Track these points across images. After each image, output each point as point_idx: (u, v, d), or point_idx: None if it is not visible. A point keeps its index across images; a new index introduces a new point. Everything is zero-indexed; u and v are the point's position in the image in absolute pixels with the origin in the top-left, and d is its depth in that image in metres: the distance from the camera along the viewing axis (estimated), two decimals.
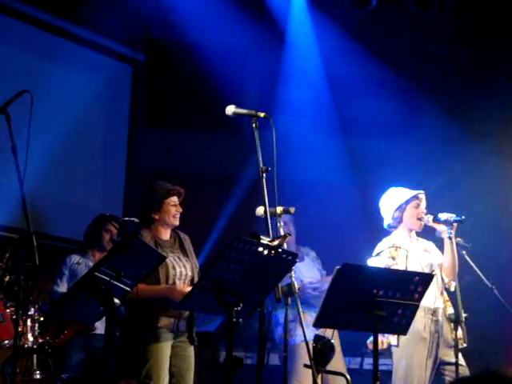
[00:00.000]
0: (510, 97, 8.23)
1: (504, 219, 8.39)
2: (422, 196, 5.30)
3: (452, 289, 5.14)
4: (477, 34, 8.33)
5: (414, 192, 5.28)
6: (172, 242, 5.08)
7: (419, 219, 5.17)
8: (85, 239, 6.50)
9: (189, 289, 4.57)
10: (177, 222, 5.04)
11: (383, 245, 5.21)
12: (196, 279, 4.95)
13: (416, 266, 5.03)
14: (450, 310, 5.02)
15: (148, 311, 4.78)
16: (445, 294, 5.06)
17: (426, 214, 5.18)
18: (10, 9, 7.53)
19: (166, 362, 4.81)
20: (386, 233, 5.36)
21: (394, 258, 5.07)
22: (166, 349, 4.81)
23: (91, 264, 6.19)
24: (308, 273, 6.22)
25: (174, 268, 4.91)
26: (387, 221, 5.29)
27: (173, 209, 5.01)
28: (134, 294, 4.29)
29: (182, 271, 4.95)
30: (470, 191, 7.98)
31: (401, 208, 5.23)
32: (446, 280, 5.13)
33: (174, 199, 5.04)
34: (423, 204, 5.27)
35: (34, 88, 4.19)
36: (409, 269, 4.99)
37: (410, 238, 5.27)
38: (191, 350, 5.02)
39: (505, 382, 1.48)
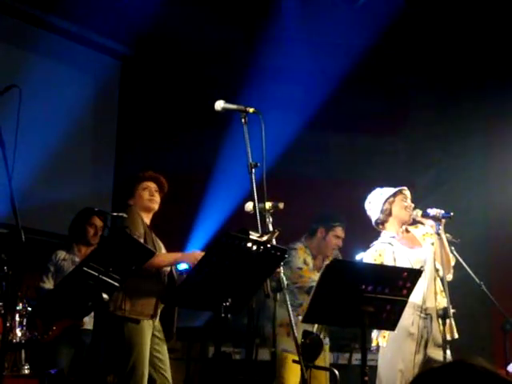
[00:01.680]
0: (498, 94, 8.26)
1: (492, 215, 8.44)
2: (407, 192, 5.32)
3: (449, 279, 5.17)
4: (465, 31, 8.35)
5: (398, 188, 5.31)
6: (151, 228, 5.13)
7: (408, 211, 5.18)
8: (69, 233, 6.46)
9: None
10: (153, 205, 5.09)
11: (370, 251, 5.19)
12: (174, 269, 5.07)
13: (405, 264, 5.02)
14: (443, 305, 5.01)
15: (135, 296, 4.79)
16: (439, 288, 5.02)
17: (413, 209, 5.19)
18: None
19: (147, 354, 4.82)
20: (374, 229, 5.35)
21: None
22: (147, 341, 4.82)
23: (77, 259, 6.17)
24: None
25: (161, 249, 5.06)
26: (376, 215, 5.28)
27: (145, 193, 5.06)
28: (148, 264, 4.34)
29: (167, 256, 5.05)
30: (458, 187, 8.02)
31: (389, 200, 5.24)
32: (441, 272, 5.13)
33: (146, 184, 5.09)
34: (409, 199, 5.29)
35: (22, 83, 4.17)
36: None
37: (400, 233, 5.26)
38: (164, 346, 5.03)
39: (471, 369, 1.50)
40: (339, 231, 6.04)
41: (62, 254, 6.31)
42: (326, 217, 6.11)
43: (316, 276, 6.08)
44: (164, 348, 4.97)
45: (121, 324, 4.76)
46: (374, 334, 4.99)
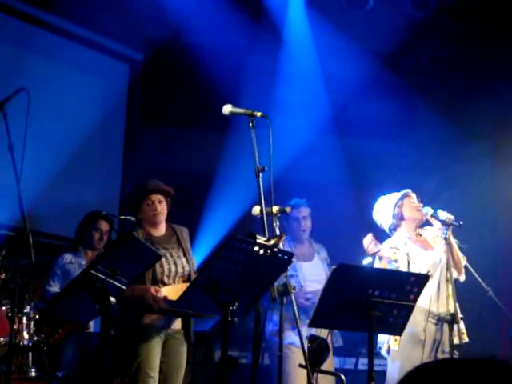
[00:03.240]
0: (506, 98, 8.25)
1: (500, 220, 8.41)
2: (412, 193, 5.33)
3: (462, 280, 5.17)
4: (474, 35, 8.34)
5: (403, 191, 5.31)
6: (166, 238, 5.11)
7: (419, 210, 5.18)
8: (75, 237, 6.47)
9: (164, 293, 4.62)
10: (158, 219, 5.07)
11: (384, 247, 5.19)
12: (192, 274, 4.98)
13: (419, 269, 5.01)
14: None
15: (138, 307, 4.80)
16: (451, 292, 4.99)
17: (423, 207, 5.19)
18: (8, 7, 7.52)
19: (155, 359, 4.83)
20: (382, 234, 5.35)
21: (396, 261, 5.07)
22: (155, 345, 4.83)
23: (83, 263, 6.18)
24: (312, 276, 6.01)
25: (162, 266, 4.91)
26: (388, 222, 5.27)
27: (148, 208, 5.04)
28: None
29: (171, 268, 4.94)
30: (465, 192, 8.00)
31: (398, 204, 5.24)
32: (455, 274, 5.13)
33: (150, 198, 5.05)
34: (416, 199, 5.30)
35: (31, 86, 4.19)
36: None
37: (414, 236, 5.25)
38: (184, 348, 5.03)
39: (460, 365, 1.51)
40: (294, 213, 5.96)
41: (68, 257, 6.32)
42: None
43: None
44: (180, 350, 4.99)
45: (127, 327, 4.80)
46: (386, 337, 4.97)
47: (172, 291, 4.74)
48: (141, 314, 4.82)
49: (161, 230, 5.11)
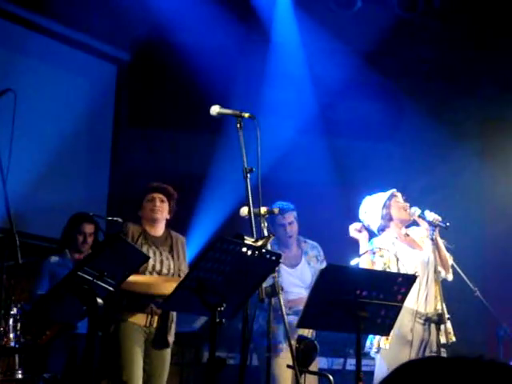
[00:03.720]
0: (493, 98, 8.28)
1: (487, 220, 8.44)
2: (398, 193, 5.34)
3: (449, 279, 5.18)
4: (460, 37, 8.37)
5: (390, 191, 5.32)
6: (161, 240, 5.13)
7: (406, 210, 5.20)
8: (61, 239, 6.45)
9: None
10: (156, 215, 5.10)
11: (375, 240, 5.20)
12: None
13: (407, 269, 5.02)
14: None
15: (123, 307, 4.79)
16: (439, 292, 5.01)
17: (410, 207, 5.20)
18: None
19: (137, 360, 4.82)
20: (370, 234, 5.36)
21: (382, 256, 5.07)
22: (137, 346, 4.82)
23: (70, 265, 6.15)
24: (295, 282, 5.89)
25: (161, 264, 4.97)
26: (376, 223, 5.28)
27: (148, 204, 5.10)
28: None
29: (155, 265, 4.96)
30: (453, 192, 8.03)
31: (386, 205, 5.25)
32: (443, 273, 5.14)
33: (152, 195, 5.11)
34: (402, 199, 5.31)
35: (17, 87, 4.17)
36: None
37: (402, 236, 5.26)
38: (168, 350, 5.03)
39: (445, 363, 1.51)
40: (279, 219, 5.91)
41: (55, 260, 6.29)
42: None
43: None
44: (158, 354, 4.98)
45: (114, 327, 4.79)
46: (376, 336, 4.97)
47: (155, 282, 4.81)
48: (125, 313, 4.81)
49: (158, 230, 5.13)
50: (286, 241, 6.04)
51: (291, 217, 6.03)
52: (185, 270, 5.09)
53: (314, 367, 5.59)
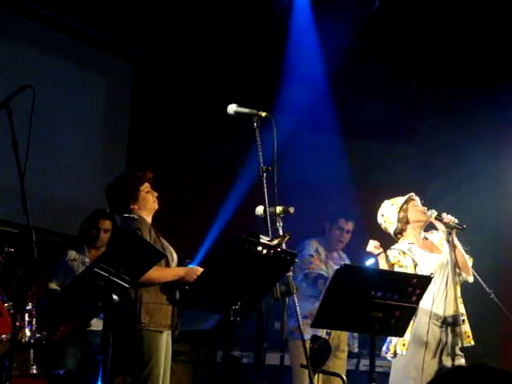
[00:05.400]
0: (510, 100, 8.24)
1: (503, 222, 8.41)
2: (416, 197, 5.33)
3: (470, 281, 5.16)
4: (479, 38, 8.33)
5: (407, 195, 5.32)
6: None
7: (423, 213, 5.18)
8: (79, 235, 6.49)
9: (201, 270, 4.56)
10: (156, 205, 5.06)
11: (391, 253, 5.18)
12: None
13: (424, 272, 5.00)
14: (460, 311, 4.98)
15: (152, 308, 4.76)
16: (459, 294, 4.98)
17: (427, 210, 5.19)
18: (13, 4, 7.54)
19: (163, 361, 4.82)
20: (387, 237, 5.34)
21: (401, 267, 5.05)
22: (163, 348, 4.82)
23: (87, 260, 6.18)
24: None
25: (172, 253, 4.97)
26: (393, 226, 5.26)
27: (149, 195, 5.01)
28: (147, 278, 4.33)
29: (174, 256, 4.98)
30: (469, 194, 7.99)
31: (403, 208, 5.24)
32: (463, 275, 5.13)
33: (147, 186, 5.03)
34: (419, 203, 5.30)
35: (35, 83, 4.18)
36: None
37: (420, 239, 5.24)
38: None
39: (493, 373, 1.50)
40: (342, 223, 6.39)
41: (72, 254, 6.33)
42: (331, 212, 6.48)
43: (325, 267, 6.15)
44: (170, 349, 4.98)
45: (140, 334, 4.74)
46: (393, 341, 4.96)
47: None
48: (157, 315, 4.76)
49: (151, 219, 5.07)
50: (335, 244, 6.44)
51: (352, 226, 6.45)
52: None
53: (343, 367, 5.70)
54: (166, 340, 4.85)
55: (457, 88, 8.64)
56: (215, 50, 8.29)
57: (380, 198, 5.44)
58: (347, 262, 6.41)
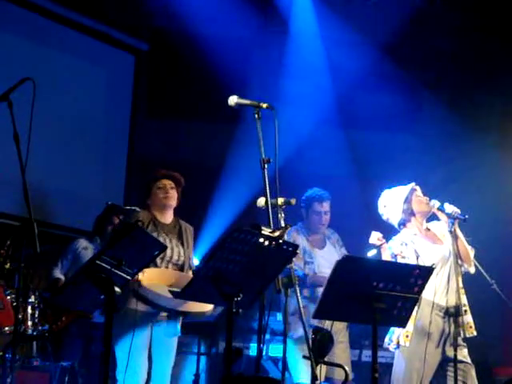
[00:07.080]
0: None
1: (506, 213, 8.40)
2: (417, 186, 5.32)
3: (472, 272, 5.16)
4: (479, 28, 8.32)
5: (410, 185, 5.30)
6: (170, 227, 5.15)
7: (427, 203, 5.18)
8: (93, 228, 6.55)
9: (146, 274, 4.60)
10: (169, 202, 5.13)
11: (393, 243, 5.17)
12: (186, 268, 5.05)
13: (430, 259, 4.99)
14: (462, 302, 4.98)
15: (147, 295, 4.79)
16: (460, 285, 4.98)
17: (429, 200, 5.18)
18: None
19: (142, 359, 4.84)
20: (388, 227, 5.34)
21: (403, 258, 5.05)
22: (142, 341, 4.83)
23: (96, 251, 6.21)
24: (326, 264, 5.96)
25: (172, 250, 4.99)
26: (397, 217, 5.24)
27: (159, 192, 5.12)
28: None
29: (167, 252, 4.96)
30: (471, 185, 7.98)
31: (407, 199, 5.23)
32: (466, 266, 5.12)
33: (162, 182, 5.15)
34: (421, 192, 5.29)
35: (36, 76, 4.18)
36: None
37: (422, 230, 5.24)
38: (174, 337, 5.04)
39: None
40: (317, 206, 6.24)
41: (83, 243, 6.38)
42: (304, 198, 6.30)
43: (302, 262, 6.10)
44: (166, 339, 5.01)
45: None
46: (396, 332, 4.97)
47: (158, 274, 4.80)
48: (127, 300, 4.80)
49: (167, 218, 5.15)
50: (317, 228, 6.28)
51: (328, 206, 6.29)
52: (193, 258, 5.18)
53: (346, 359, 5.67)
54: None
55: (458, 78, 8.62)
56: (217, 42, 8.27)
57: (381, 189, 5.44)
58: (334, 238, 6.33)
